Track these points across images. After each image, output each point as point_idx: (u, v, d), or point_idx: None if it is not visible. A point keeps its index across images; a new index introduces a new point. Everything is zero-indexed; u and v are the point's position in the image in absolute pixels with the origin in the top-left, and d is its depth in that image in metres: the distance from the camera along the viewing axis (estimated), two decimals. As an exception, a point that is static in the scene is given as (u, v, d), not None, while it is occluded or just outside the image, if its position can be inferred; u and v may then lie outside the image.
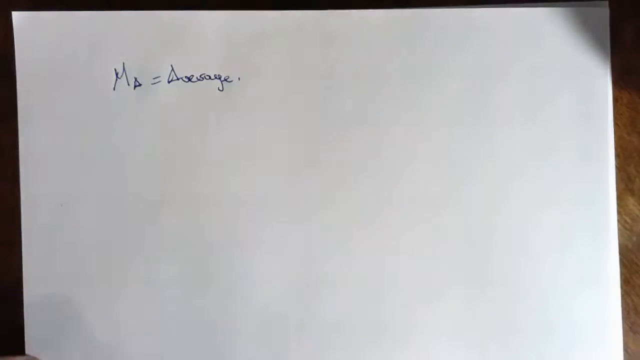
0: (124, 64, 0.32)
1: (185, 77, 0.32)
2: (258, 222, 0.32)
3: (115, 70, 0.32)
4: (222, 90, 0.32)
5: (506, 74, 0.32)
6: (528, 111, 0.31)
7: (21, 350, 0.32)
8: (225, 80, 0.32)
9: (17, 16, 0.32)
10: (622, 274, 0.32)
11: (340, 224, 0.32)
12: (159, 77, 0.32)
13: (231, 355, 0.32)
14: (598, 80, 0.31)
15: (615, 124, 0.32)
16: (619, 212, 0.32)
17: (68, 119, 0.32)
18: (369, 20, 0.32)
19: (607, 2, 0.31)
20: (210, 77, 0.32)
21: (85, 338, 0.32)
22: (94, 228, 0.32)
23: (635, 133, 0.33)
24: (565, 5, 0.31)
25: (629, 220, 0.33)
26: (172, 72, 0.32)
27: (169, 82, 0.32)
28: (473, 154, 0.32)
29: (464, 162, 0.32)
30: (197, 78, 0.32)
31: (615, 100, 0.33)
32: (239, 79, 0.32)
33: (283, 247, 0.32)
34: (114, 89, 0.32)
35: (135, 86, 0.32)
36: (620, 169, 0.33)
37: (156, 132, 0.32)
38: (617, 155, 0.32)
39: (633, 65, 0.33)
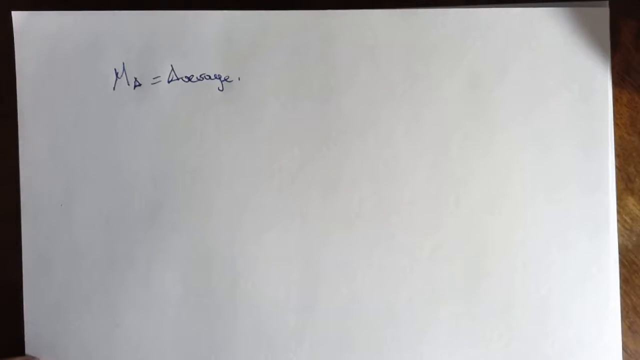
0: (124, 64, 0.32)
1: (185, 77, 0.32)
2: (258, 221, 0.32)
3: (115, 70, 0.32)
4: (222, 90, 0.32)
5: (506, 74, 0.32)
6: (528, 111, 0.31)
7: (21, 351, 0.32)
8: (225, 80, 0.32)
9: (17, 16, 0.32)
10: (621, 274, 0.32)
11: (340, 224, 0.32)
12: (159, 77, 0.32)
13: (231, 356, 0.32)
14: (598, 80, 0.31)
15: (615, 124, 0.32)
16: (618, 212, 0.32)
17: (68, 119, 0.32)
18: (369, 20, 0.32)
19: (607, 2, 0.31)
20: (210, 77, 0.32)
21: (85, 338, 0.32)
22: (94, 228, 0.32)
23: (635, 133, 0.33)
24: (565, 5, 0.31)
25: (628, 220, 0.33)
26: (172, 72, 0.32)
27: (169, 82, 0.32)
28: (473, 153, 0.32)
29: (464, 162, 0.32)
30: (197, 78, 0.32)
31: (615, 100, 0.33)
32: (239, 79, 0.32)
33: (283, 247, 0.32)
34: (114, 89, 0.32)
35: (135, 86, 0.32)
36: (620, 169, 0.33)
37: (156, 132, 0.32)
38: (617, 155, 0.32)
39: (633, 65, 0.33)
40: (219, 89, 0.32)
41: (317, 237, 0.32)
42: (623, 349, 0.31)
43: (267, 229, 0.32)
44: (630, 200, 0.33)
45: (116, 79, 0.32)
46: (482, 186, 0.31)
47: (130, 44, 0.32)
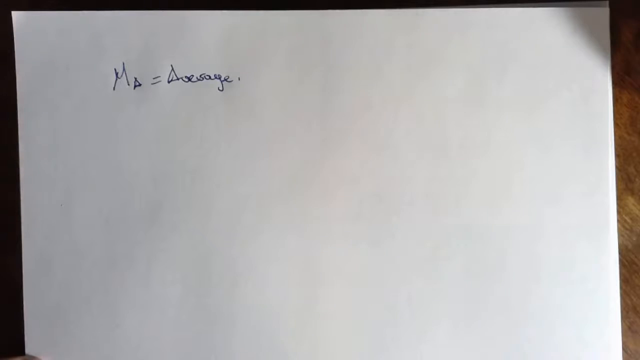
0: (124, 64, 0.32)
1: (185, 77, 0.32)
2: (258, 221, 0.32)
3: (115, 70, 0.32)
4: (222, 90, 0.32)
5: (506, 74, 0.32)
6: (528, 111, 0.31)
7: (21, 351, 0.32)
8: (225, 80, 0.32)
9: (17, 16, 0.32)
10: (621, 274, 0.32)
11: (341, 224, 0.32)
12: (159, 77, 0.32)
13: (231, 355, 0.32)
14: (598, 80, 0.31)
15: (615, 124, 0.32)
16: (618, 212, 0.32)
17: (68, 119, 0.32)
18: (369, 20, 0.32)
19: (607, 2, 0.31)
20: (210, 77, 0.32)
21: (85, 338, 0.32)
22: (94, 228, 0.32)
23: (635, 133, 0.33)
24: (565, 5, 0.31)
25: (628, 220, 0.33)
26: (172, 72, 0.32)
27: (169, 82, 0.32)
28: (473, 153, 0.32)
29: (464, 162, 0.32)
30: (197, 78, 0.32)
31: (615, 100, 0.33)
32: (239, 79, 0.32)
33: (283, 246, 0.32)
34: (114, 89, 0.32)
35: (135, 86, 0.32)
36: (620, 169, 0.33)
37: (156, 132, 0.32)
38: (617, 155, 0.32)
39: (633, 65, 0.33)
40: (219, 89, 0.32)
41: (317, 237, 0.32)
42: (623, 349, 0.31)
43: (267, 228, 0.32)
44: (630, 200, 0.33)
45: (116, 79, 0.32)
46: (481, 186, 0.31)
47: (130, 44, 0.32)
